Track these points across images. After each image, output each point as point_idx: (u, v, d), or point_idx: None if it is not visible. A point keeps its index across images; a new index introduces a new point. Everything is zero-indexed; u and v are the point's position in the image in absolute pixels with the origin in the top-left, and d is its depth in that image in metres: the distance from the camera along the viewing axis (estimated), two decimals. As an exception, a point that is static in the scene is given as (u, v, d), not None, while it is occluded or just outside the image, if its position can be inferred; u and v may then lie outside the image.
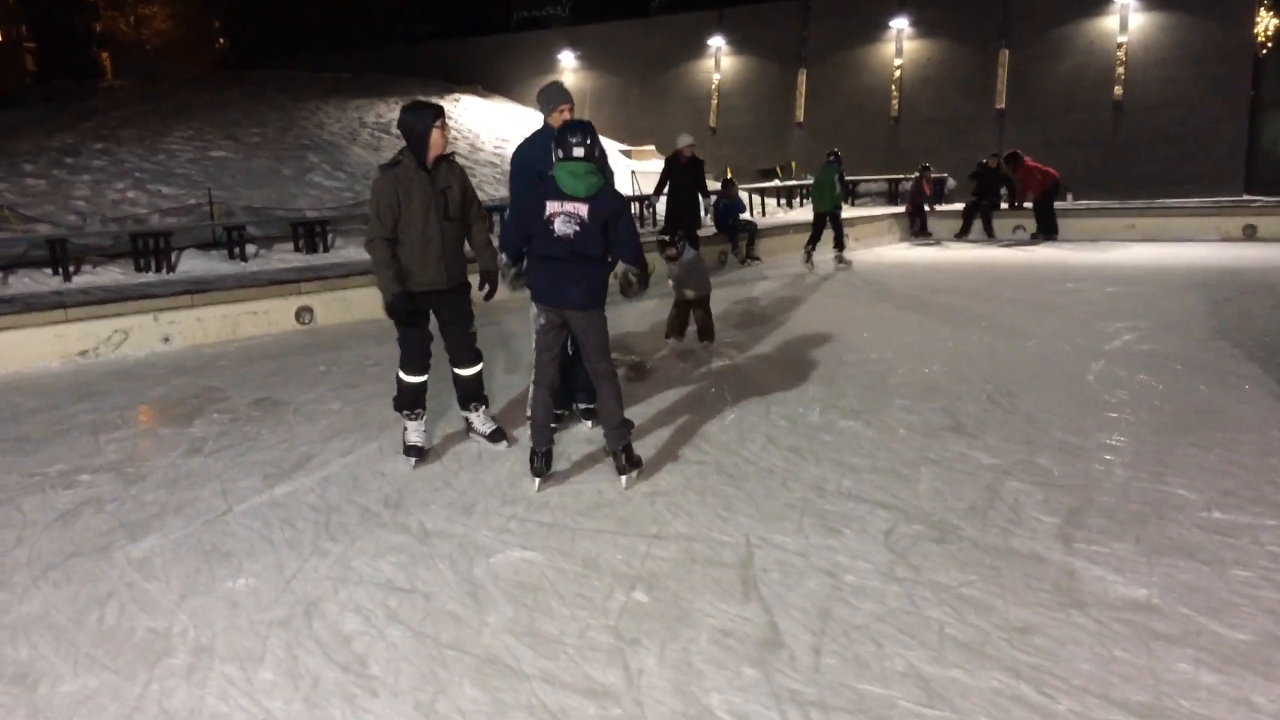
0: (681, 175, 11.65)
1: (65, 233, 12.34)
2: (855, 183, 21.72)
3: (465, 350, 5.64)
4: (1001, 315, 9.92)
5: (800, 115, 24.13)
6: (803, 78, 23.97)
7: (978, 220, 18.06)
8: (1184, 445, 5.40)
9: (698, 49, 25.96)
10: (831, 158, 14.26)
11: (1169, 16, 19.42)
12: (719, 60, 25.77)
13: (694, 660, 3.26)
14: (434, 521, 4.67)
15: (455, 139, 23.57)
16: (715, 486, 4.99)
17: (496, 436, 5.80)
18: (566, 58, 28.40)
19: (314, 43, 35.00)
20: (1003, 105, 21.18)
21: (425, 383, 5.57)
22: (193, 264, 12.48)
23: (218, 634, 3.59)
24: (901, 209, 19.22)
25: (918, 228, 18.44)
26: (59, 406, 7.38)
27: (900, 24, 22.58)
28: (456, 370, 5.70)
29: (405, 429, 5.66)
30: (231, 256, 12.92)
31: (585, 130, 4.79)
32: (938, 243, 17.85)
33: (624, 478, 5.03)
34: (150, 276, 11.90)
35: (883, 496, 4.75)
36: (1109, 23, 20.01)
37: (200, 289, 10.39)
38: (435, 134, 5.15)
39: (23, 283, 11.19)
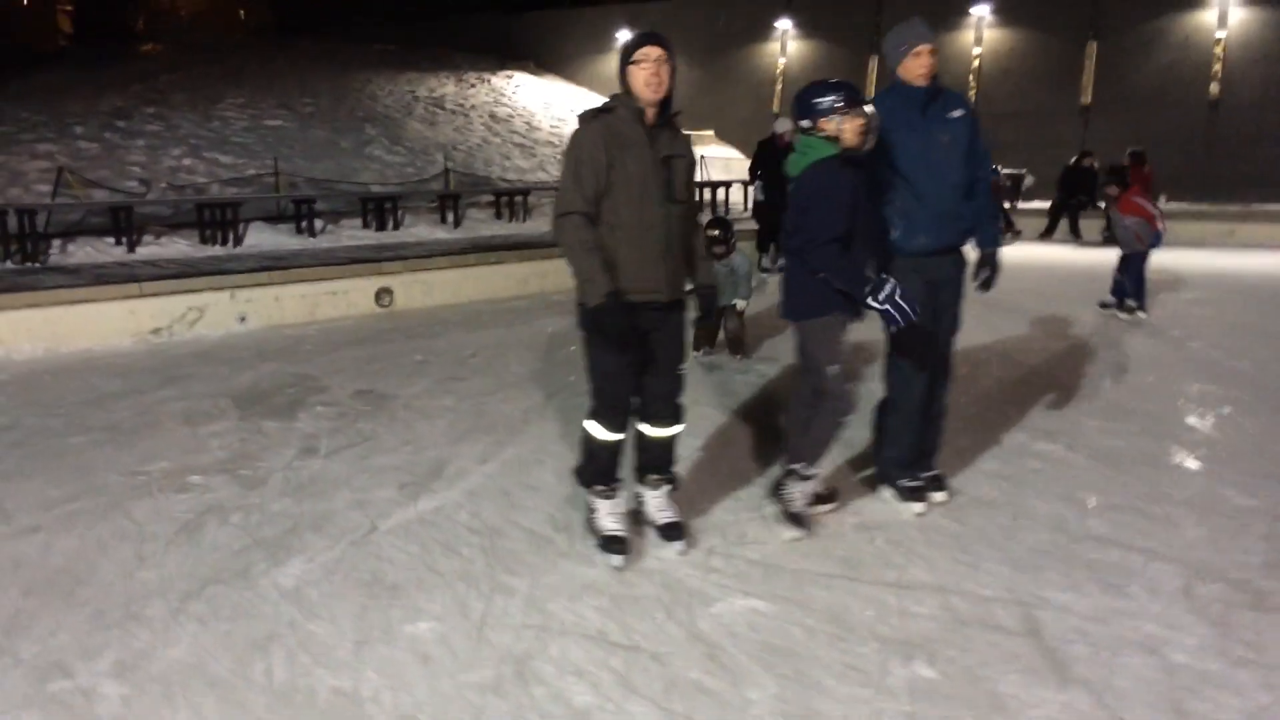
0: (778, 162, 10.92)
1: (130, 200, 11.69)
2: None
3: (668, 400, 3.93)
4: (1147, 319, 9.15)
5: (870, 103, 23.26)
6: (874, 64, 23.11)
7: (1063, 221, 17.22)
8: None
9: (763, 31, 25.11)
10: None
11: (1272, 12, 18.48)
12: (785, 43, 24.92)
13: (1048, 773, 2.56)
14: (621, 553, 3.98)
15: (510, 116, 22.89)
16: (934, 521, 4.30)
17: (674, 533, 4.00)
18: (624, 36, 27.57)
19: (360, 12, 34.26)
20: (1088, 100, 20.31)
21: (623, 443, 3.95)
22: (260, 237, 11.86)
23: (420, 702, 2.93)
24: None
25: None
26: (142, 391, 6.76)
27: (981, 11, 21.69)
28: (647, 427, 3.98)
29: (594, 512, 3.99)
30: (299, 231, 12.28)
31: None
32: (1015, 237, 17.01)
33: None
34: (217, 249, 11.29)
35: (1148, 543, 4.04)
36: (1206, 17, 19.09)
37: (274, 265, 9.75)
38: (642, 71, 3.55)
39: (85, 251, 10.59)
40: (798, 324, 4.05)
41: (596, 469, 3.93)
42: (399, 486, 4.81)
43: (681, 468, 4.39)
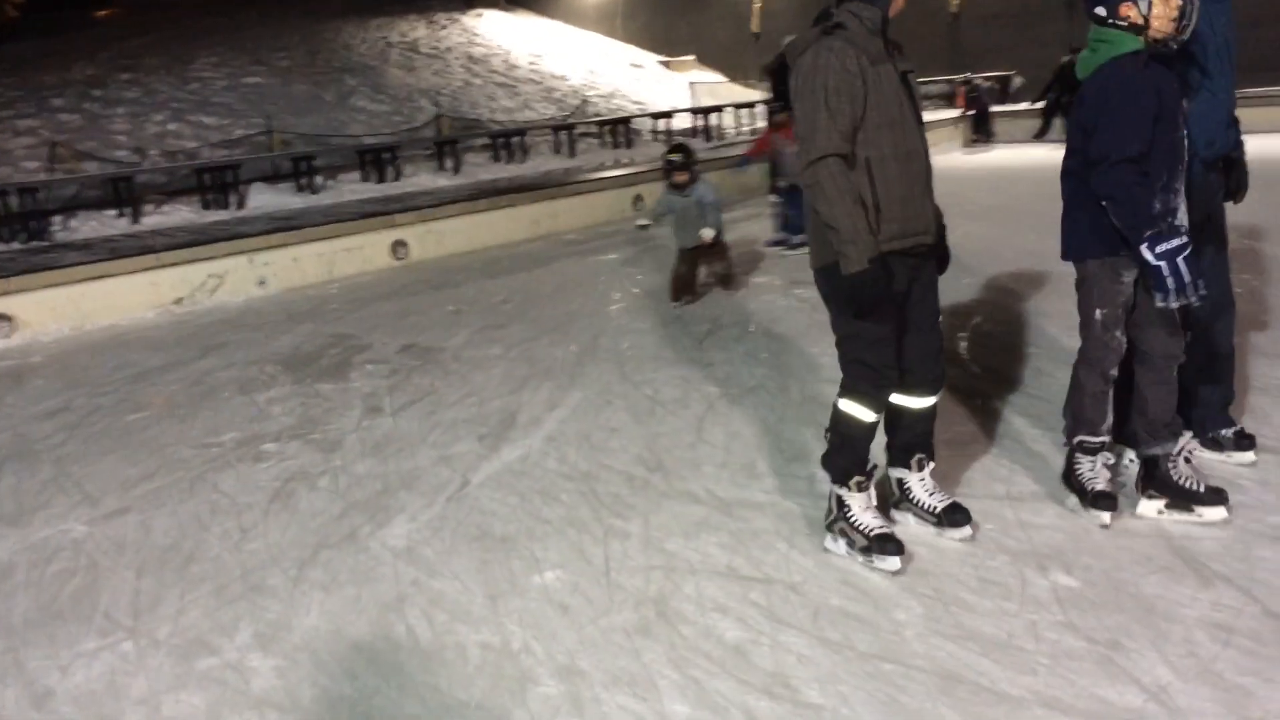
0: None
1: (129, 170, 11.45)
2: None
3: (934, 362, 3.34)
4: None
5: (851, 15, 22.87)
6: (857, -22, 22.65)
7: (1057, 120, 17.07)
8: None
9: (737, -52, 24.60)
10: None
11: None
12: (761, -39, 24.44)
13: (1220, 666, 2.59)
14: (723, 488, 4.00)
15: (488, 56, 22.47)
16: (1019, 429, 4.30)
17: (960, 517, 3.37)
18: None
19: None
20: (1073, -6, 20.01)
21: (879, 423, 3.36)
22: (262, 199, 11.68)
23: (572, 650, 2.93)
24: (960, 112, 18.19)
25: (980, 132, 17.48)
26: (184, 362, 6.69)
27: (960, -91, 21.27)
28: (909, 399, 3.35)
29: (848, 509, 3.30)
30: (300, 189, 12.08)
31: None
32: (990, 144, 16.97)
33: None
34: (222, 214, 11.11)
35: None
36: (1192, -102, 18.73)
37: (286, 225, 9.60)
38: None
39: (89, 226, 10.43)
40: (1078, 265, 3.37)
41: (854, 458, 3.29)
42: (477, 439, 4.79)
43: (767, 405, 4.36)
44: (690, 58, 24.03)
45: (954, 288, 6.80)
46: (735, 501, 3.86)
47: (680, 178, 6.86)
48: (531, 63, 22.63)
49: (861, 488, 3.29)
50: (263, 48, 20.11)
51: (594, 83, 21.77)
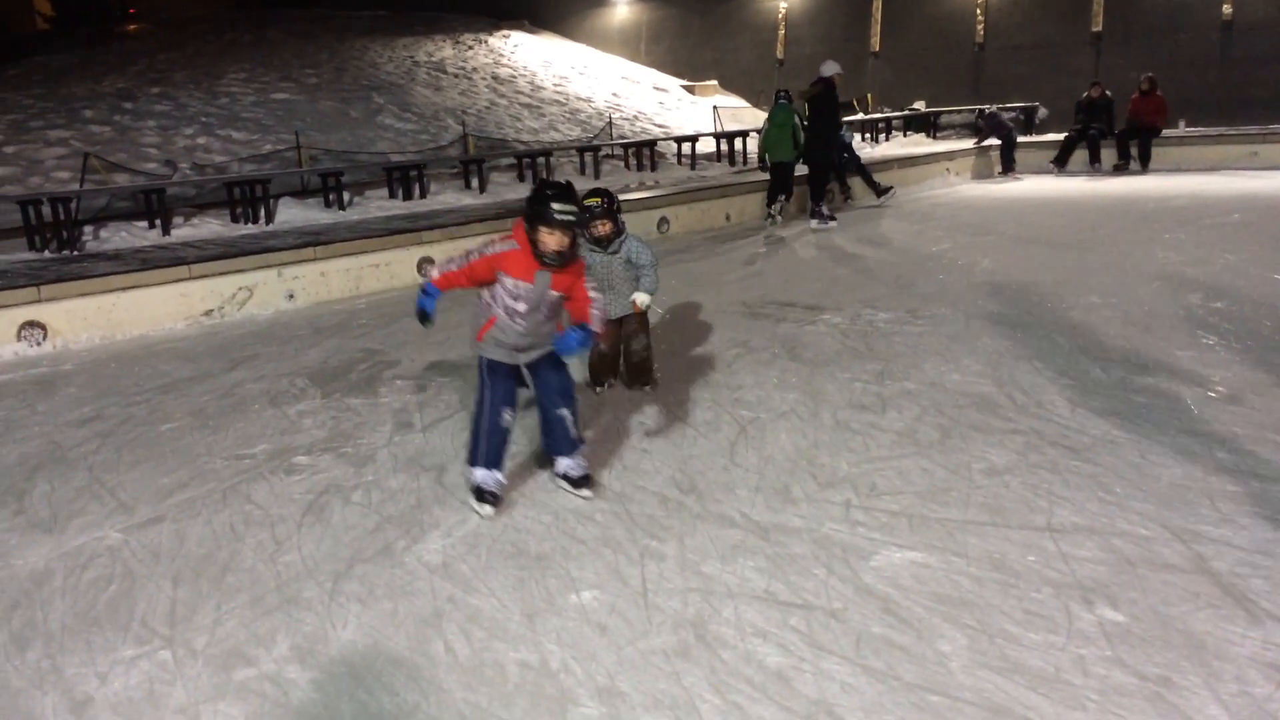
0: (833, 108, 10.85)
1: (160, 182, 11.55)
2: (936, 114, 20.72)
3: None
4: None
5: (875, 44, 23.00)
6: (878, 3, 22.79)
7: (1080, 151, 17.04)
8: None
9: (763, -25, 24.73)
10: (782, 97, 12.26)
11: (1284, -70, 18.22)
12: (786, -12, 24.55)
13: (1274, 707, 2.55)
14: (758, 512, 3.98)
15: (513, 77, 22.60)
16: (1065, 463, 4.27)
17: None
18: (618, -9, 27.14)
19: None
20: (1099, 28, 20.05)
21: None
22: (290, 213, 11.75)
23: (611, 671, 2.91)
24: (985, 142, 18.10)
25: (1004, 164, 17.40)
26: (214, 374, 6.71)
27: (987, -60, 21.36)
28: None
29: None
30: (328, 205, 12.15)
31: None
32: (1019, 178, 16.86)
33: None
34: (250, 228, 11.18)
35: (1287, 474, 4.01)
36: (1217, -63, 18.82)
37: (315, 240, 9.64)
38: None
39: (120, 237, 10.49)
40: None
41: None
42: (509, 456, 4.76)
43: (799, 430, 4.34)
44: (712, 82, 24.13)
45: (992, 318, 6.80)
46: (771, 526, 3.84)
47: (602, 229, 5.24)
48: (556, 84, 22.77)
49: None
50: (291, 64, 20.31)
51: (618, 105, 21.88)
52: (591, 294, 4.12)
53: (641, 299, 5.37)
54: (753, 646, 3.00)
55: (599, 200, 5.28)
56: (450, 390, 5.96)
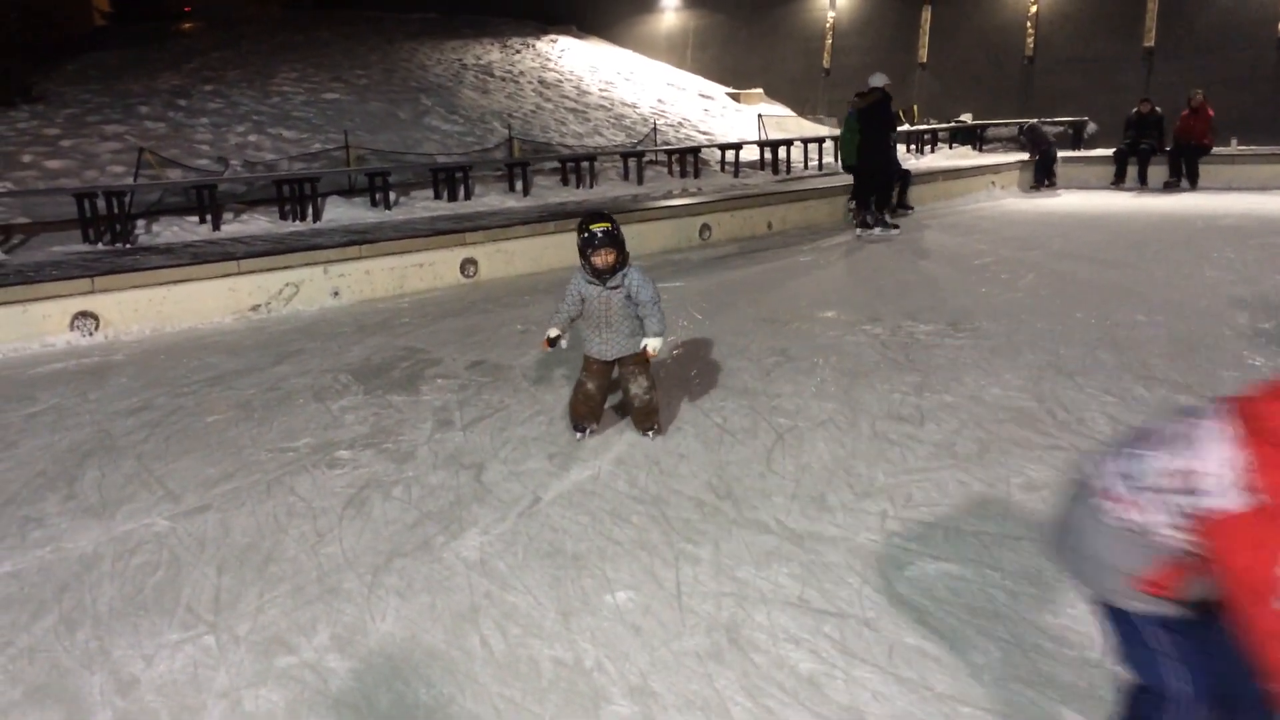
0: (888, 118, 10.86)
1: (213, 178, 11.78)
2: (983, 128, 20.57)
3: None
4: None
5: (924, 56, 22.86)
6: (927, 14, 22.66)
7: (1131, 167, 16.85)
8: None
9: (811, -15, 24.70)
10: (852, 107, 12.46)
11: (1347, -57, 17.89)
12: (834, -3, 24.51)
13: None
14: (793, 519, 4.00)
15: (560, 81, 22.74)
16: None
17: None
18: (667, -3, 27.23)
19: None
20: (1151, 43, 19.81)
21: None
22: (337, 212, 11.92)
23: (645, 671, 2.95)
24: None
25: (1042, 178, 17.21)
26: (260, 368, 6.83)
27: (1039, -46, 21.18)
28: None
29: None
30: (374, 204, 12.31)
31: None
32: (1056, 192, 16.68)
33: None
34: (298, 225, 11.35)
35: None
36: (1274, -49, 18.52)
37: (361, 239, 9.78)
38: None
39: (171, 231, 10.70)
40: None
41: None
42: (548, 457, 4.83)
43: (837, 439, 4.35)
44: (758, 90, 24.12)
45: (1034, 333, 6.75)
46: (806, 533, 3.85)
47: (605, 258, 4.62)
48: (602, 90, 22.87)
49: None
50: (341, 65, 20.58)
51: (663, 111, 21.95)
52: None
53: (653, 345, 4.75)
54: (785, 652, 3.02)
55: (606, 225, 4.61)
56: (491, 390, 6.03)
